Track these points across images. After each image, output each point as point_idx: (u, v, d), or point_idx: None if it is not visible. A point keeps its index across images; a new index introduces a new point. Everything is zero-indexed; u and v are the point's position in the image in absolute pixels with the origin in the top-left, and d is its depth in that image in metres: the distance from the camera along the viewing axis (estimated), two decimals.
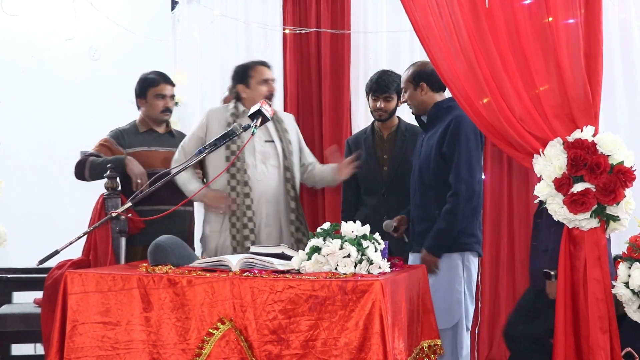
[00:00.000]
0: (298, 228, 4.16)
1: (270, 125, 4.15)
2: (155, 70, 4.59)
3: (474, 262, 4.07)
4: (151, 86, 4.48)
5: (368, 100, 4.59)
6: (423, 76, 4.05)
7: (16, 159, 5.81)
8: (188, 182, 4.08)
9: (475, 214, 4.04)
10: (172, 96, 4.57)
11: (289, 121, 4.38)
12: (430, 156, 4.01)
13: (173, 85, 4.58)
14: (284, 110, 5.54)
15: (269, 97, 4.13)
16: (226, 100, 4.86)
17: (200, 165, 4.24)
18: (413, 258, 4.08)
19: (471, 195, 3.92)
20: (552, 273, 3.40)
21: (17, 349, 4.79)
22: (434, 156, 3.98)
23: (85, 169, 4.30)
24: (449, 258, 3.96)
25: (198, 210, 4.59)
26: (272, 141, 4.19)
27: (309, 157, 4.41)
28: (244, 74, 4.23)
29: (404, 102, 4.22)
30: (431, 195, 3.99)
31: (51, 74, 6.04)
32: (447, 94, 4.17)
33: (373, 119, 4.67)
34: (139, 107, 4.57)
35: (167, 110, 4.52)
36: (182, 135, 4.50)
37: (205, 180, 4.19)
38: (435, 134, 4.03)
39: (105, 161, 4.21)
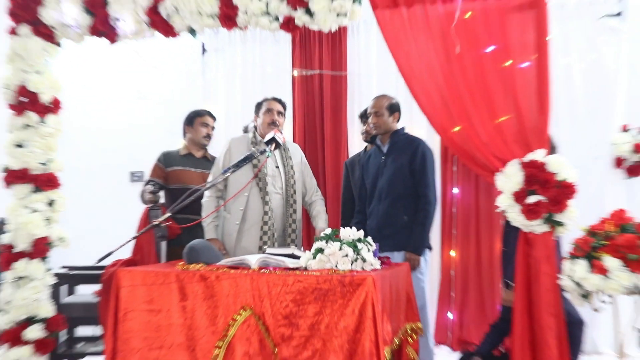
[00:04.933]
0: (293, 240, 3.99)
1: (277, 152, 4.02)
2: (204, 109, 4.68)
3: (429, 255, 4.13)
4: (198, 116, 4.54)
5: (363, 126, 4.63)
6: (399, 108, 4.16)
7: (79, 179, 5.81)
8: (206, 211, 3.95)
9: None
10: (213, 127, 4.60)
11: (295, 150, 4.17)
12: (400, 173, 4.04)
13: (215, 119, 4.63)
14: (294, 137, 5.55)
15: (271, 124, 3.99)
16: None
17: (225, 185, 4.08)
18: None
19: (436, 202, 4.02)
20: (511, 283, 3.40)
21: (81, 331, 4.79)
22: (406, 173, 4.02)
23: (141, 200, 4.36)
24: None
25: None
26: (278, 167, 4.03)
27: (309, 193, 4.16)
28: (258, 106, 4.14)
29: (373, 123, 4.15)
30: (400, 204, 4.01)
31: (108, 112, 6.14)
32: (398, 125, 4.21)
33: (365, 144, 4.69)
34: (184, 134, 4.59)
35: (208, 137, 4.54)
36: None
37: (224, 198, 4.01)
38: (402, 156, 4.06)
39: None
